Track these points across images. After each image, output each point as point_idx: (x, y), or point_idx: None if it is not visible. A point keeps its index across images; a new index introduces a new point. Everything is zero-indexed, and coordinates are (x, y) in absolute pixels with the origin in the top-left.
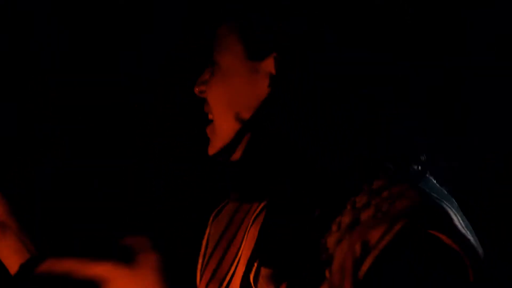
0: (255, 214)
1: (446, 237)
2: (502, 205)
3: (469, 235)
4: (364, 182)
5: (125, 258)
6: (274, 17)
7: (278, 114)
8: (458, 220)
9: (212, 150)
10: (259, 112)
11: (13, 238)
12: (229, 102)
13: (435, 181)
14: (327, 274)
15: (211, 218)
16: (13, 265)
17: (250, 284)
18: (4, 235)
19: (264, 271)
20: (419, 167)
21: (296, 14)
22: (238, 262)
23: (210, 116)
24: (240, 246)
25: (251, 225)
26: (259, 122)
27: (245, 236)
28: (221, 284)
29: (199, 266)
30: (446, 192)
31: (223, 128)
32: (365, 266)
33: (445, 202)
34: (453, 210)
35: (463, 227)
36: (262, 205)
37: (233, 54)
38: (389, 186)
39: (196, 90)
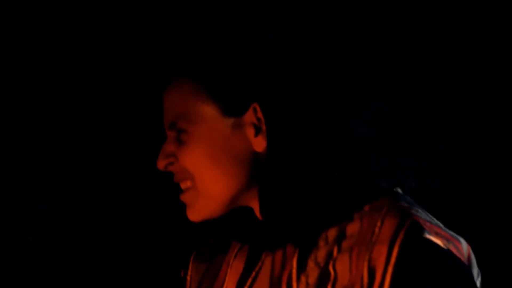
0: (237, 248)
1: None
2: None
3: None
4: (348, 197)
5: None
6: (242, 68)
7: (281, 157)
8: (436, 223)
9: (201, 214)
10: (264, 162)
11: None
12: (214, 163)
13: (408, 197)
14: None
15: (191, 258)
16: None
17: None
18: None
19: None
20: (399, 184)
21: (262, 59)
22: None
23: (185, 184)
24: (224, 281)
25: (233, 260)
26: (265, 172)
27: (229, 270)
28: None
29: None
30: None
31: (213, 190)
32: None
33: (423, 211)
34: (429, 216)
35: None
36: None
37: (206, 116)
38: (371, 201)
39: (162, 164)
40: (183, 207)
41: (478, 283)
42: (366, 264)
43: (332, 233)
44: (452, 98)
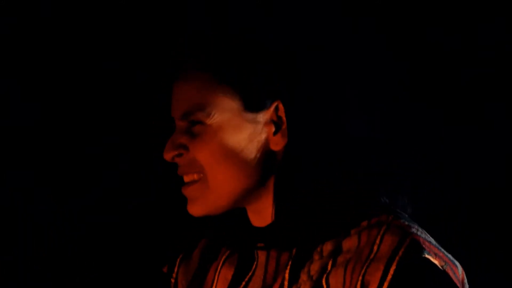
0: (225, 256)
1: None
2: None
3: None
4: (345, 212)
5: None
6: (267, 63)
7: (300, 158)
8: (435, 244)
9: (205, 208)
10: (281, 161)
11: None
12: (229, 158)
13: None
14: None
15: (178, 260)
16: None
17: None
18: None
19: None
20: (398, 202)
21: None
22: None
23: (191, 177)
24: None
25: (221, 267)
26: (282, 171)
27: (216, 278)
28: None
29: None
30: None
31: (225, 185)
32: None
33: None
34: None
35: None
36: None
37: (226, 109)
38: (369, 217)
39: (170, 155)
40: (183, 207)
41: None
42: (360, 278)
43: (327, 247)
44: (452, 98)
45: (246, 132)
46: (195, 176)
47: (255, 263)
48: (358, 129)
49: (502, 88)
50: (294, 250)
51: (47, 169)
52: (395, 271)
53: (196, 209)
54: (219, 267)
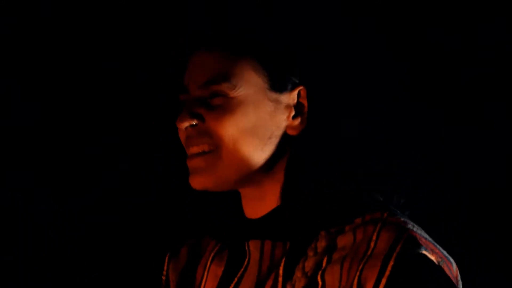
0: (213, 252)
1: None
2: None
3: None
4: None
5: None
6: (295, 47)
7: (310, 143)
8: (430, 240)
9: (210, 182)
10: (296, 140)
11: None
12: (248, 134)
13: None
14: None
15: (166, 258)
16: None
17: None
18: None
19: None
20: (393, 199)
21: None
22: None
23: (201, 148)
24: (201, 285)
25: (210, 263)
26: (294, 150)
27: (205, 274)
28: None
29: None
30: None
31: (238, 161)
32: None
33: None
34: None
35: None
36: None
37: (252, 84)
38: (364, 214)
39: (185, 124)
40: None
41: None
42: (358, 274)
43: (321, 243)
44: (452, 98)
45: (267, 110)
46: (206, 148)
47: (247, 259)
48: (358, 129)
49: (502, 88)
50: (288, 246)
51: (47, 169)
52: (393, 267)
53: (199, 181)
54: (208, 263)
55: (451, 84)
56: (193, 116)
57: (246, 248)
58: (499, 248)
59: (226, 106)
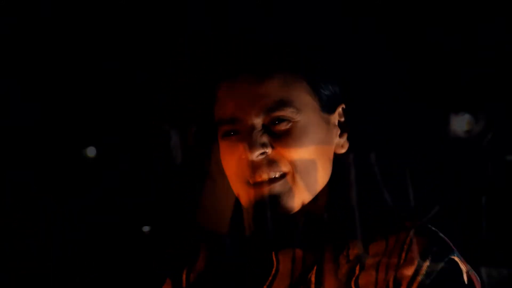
0: (234, 260)
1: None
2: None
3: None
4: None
5: None
6: (335, 68)
7: (360, 163)
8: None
9: (290, 205)
10: (343, 160)
11: None
12: (316, 155)
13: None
14: None
15: (184, 273)
16: None
17: None
18: None
19: None
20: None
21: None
22: None
23: (272, 175)
24: None
25: (232, 271)
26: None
27: (229, 283)
28: None
29: None
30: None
31: (311, 182)
32: None
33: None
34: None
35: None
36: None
37: (310, 107)
38: (394, 223)
39: (256, 154)
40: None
41: None
42: (393, 274)
43: (353, 251)
44: (452, 98)
45: (324, 132)
46: (277, 174)
47: (274, 268)
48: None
49: (502, 88)
50: (319, 254)
51: (47, 169)
52: (428, 267)
53: (282, 205)
54: (230, 272)
55: (451, 84)
56: (261, 145)
57: (274, 258)
58: (499, 248)
59: (292, 131)
